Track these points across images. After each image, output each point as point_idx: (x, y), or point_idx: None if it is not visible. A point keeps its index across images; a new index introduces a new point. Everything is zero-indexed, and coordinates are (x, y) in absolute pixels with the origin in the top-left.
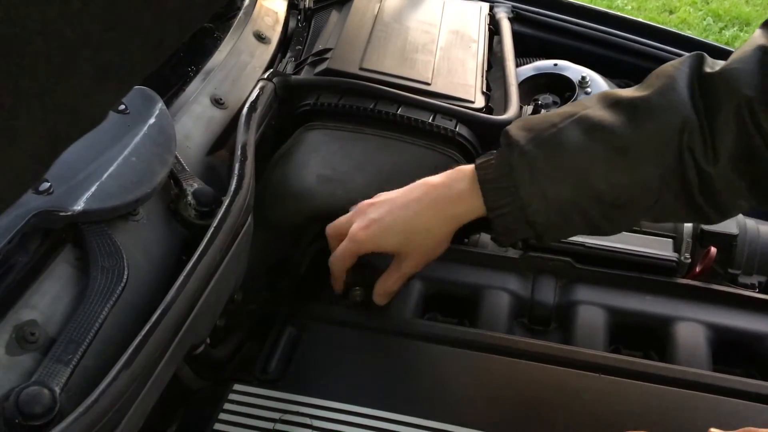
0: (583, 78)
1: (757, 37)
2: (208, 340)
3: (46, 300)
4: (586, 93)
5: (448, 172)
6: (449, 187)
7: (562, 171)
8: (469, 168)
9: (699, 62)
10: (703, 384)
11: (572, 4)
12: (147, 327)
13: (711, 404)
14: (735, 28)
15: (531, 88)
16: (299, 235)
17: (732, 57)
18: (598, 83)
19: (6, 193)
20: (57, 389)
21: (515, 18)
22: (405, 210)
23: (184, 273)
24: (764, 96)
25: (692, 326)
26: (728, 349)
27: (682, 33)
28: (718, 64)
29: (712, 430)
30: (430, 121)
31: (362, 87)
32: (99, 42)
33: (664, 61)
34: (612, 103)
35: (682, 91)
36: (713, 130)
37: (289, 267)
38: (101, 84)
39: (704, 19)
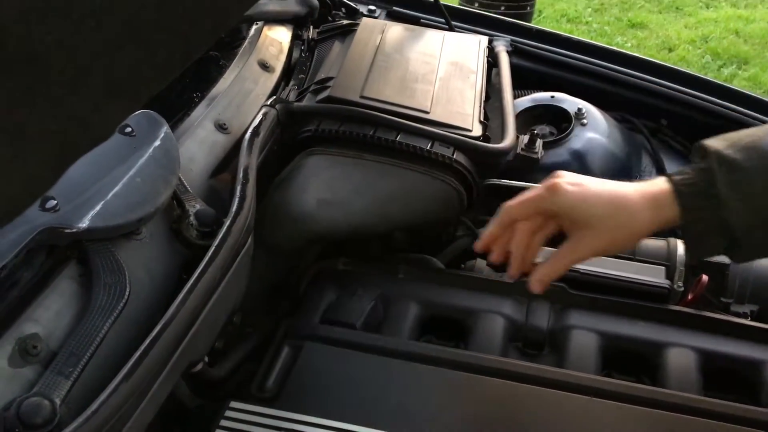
0: (579, 110)
1: None
2: (206, 359)
3: (49, 314)
4: (582, 124)
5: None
6: (646, 198)
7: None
8: (660, 179)
9: None
10: (693, 408)
11: (569, 39)
12: (147, 342)
13: (700, 427)
14: (733, 66)
15: (528, 118)
16: (299, 258)
17: None
18: (594, 115)
19: (18, 199)
20: (57, 401)
21: (514, 51)
22: (617, 186)
23: (185, 290)
24: None
25: (683, 352)
26: (720, 376)
27: (679, 68)
28: None
29: None
30: (428, 148)
31: (362, 114)
32: (111, 60)
33: (659, 94)
34: None
35: None
36: None
37: (288, 289)
38: (111, 99)
39: (703, 57)
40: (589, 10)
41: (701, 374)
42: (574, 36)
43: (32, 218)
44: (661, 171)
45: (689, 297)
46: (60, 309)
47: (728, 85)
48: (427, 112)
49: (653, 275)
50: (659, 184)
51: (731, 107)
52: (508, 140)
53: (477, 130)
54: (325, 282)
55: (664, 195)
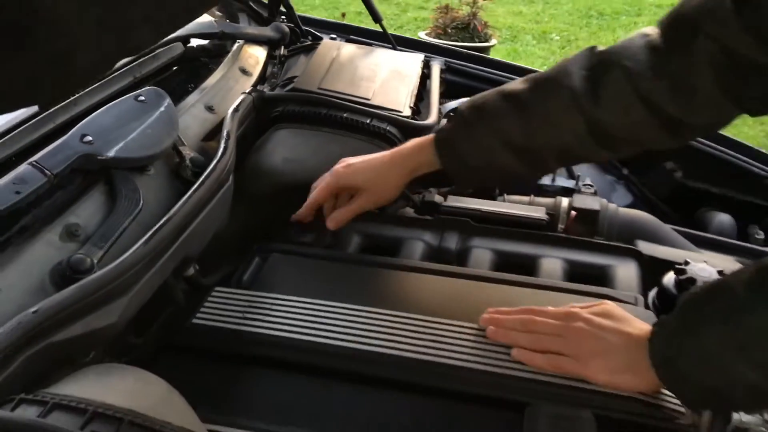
0: None
1: (645, 29)
2: (197, 267)
3: (86, 213)
4: None
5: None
6: (409, 147)
7: (481, 116)
8: (428, 137)
9: (593, 47)
10: (549, 286)
11: (491, 60)
12: (157, 226)
13: (551, 296)
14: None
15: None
16: (270, 205)
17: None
18: None
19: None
20: (95, 260)
21: (447, 69)
22: (375, 159)
23: (183, 199)
24: (639, 65)
25: (552, 260)
26: (577, 274)
27: None
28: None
29: (489, 310)
30: (368, 122)
31: (318, 99)
32: None
33: None
34: (525, 79)
35: (573, 66)
36: (598, 87)
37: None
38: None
39: None
40: (544, 66)
41: (564, 274)
42: (496, 58)
43: (75, 146)
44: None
45: (563, 229)
46: (93, 210)
47: None
48: (369, 99)
49: (536, 212)
50: (425, 139)
51: None
52: (431, 119)
53: (407, 112)
54: (288, 224)
55: (425, 148)
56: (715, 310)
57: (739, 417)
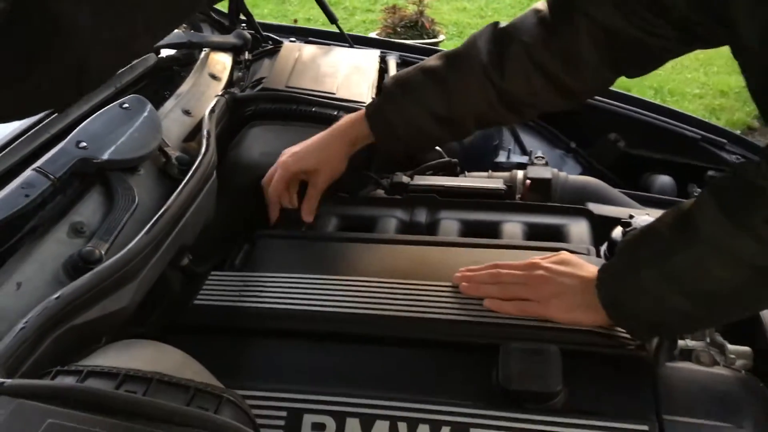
0: None
1: (537, 4)
2: (190, 257)
3: (88, 211)
4: None
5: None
6: (345, 121)
7: (406, 91)
8: (359, 111)
9: (496, 23)
10: (511, 246)
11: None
12: (155, 218)
13: (514, 254)
14: None
15: None
16: (250, 196)
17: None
18: None
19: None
20: (102, 252)
21: (402, 63)
22: (315, 141)
23: (175, 194)
24: (534, 38)
25: (513, 224)
26: (538, 235)
27: None
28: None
29: (461, 269)
30: (335, 114)
31: (288, 96)
32: None
33: None
34: (440, 55)
35: (481, 42)
36: (504, 61)
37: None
38: (144, 33)
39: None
40: None
41: (524, 235)
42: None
43: (72, 152)
44: (518, 140)
45: (520, 197)
46: (94, 209)
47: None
48: (334, 94)
49: (495, 183)
50: (358, 113)
51: None
52: None
53: (369, 102)
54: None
55: (359, 121)
56: (647, 252)
57: (685, 342)
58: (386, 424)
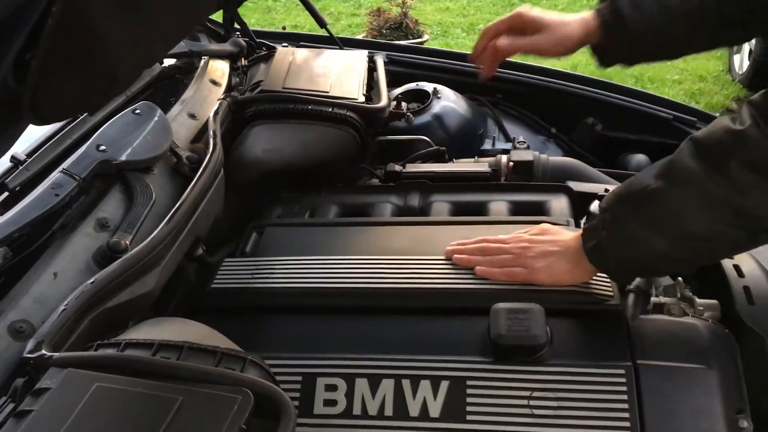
0: (435, 89)
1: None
2: (204, 248)
3: (110, 209)
4: (438, 98)
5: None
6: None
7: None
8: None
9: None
10: (497, 221)
11: (427, 49)
12: (173, 210)
13: (500, 228)
14: None
15: (402, 99)
16: (255, 191)
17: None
18: (447, 93)
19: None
20: (127, 243)
21: (390, 61)
22: (562, 14)
23: (189, 188)
24: None
25: (498, 203)
26: (521, 211)
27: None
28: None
29: (451, 243)
30: (330, 110)
31: (285, 96)
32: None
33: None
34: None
35: None
36: None
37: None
38: (161, 41)
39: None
40: None
41: (509, 210)
42: (431, 46)
43: (93, 155)
44: (501, 128)
45: (504, 179)
46: (116, 205)
47: (543, 66)
48: (327, 92)
49: (481, 167)
50: (590, 15)
51: (547, 80)
52: (382, 102)
53: (361, 99)
54: (275, 204)
55: (591, 19)
56: (631, 199)
57: (658, 298)
58: (391, 381)
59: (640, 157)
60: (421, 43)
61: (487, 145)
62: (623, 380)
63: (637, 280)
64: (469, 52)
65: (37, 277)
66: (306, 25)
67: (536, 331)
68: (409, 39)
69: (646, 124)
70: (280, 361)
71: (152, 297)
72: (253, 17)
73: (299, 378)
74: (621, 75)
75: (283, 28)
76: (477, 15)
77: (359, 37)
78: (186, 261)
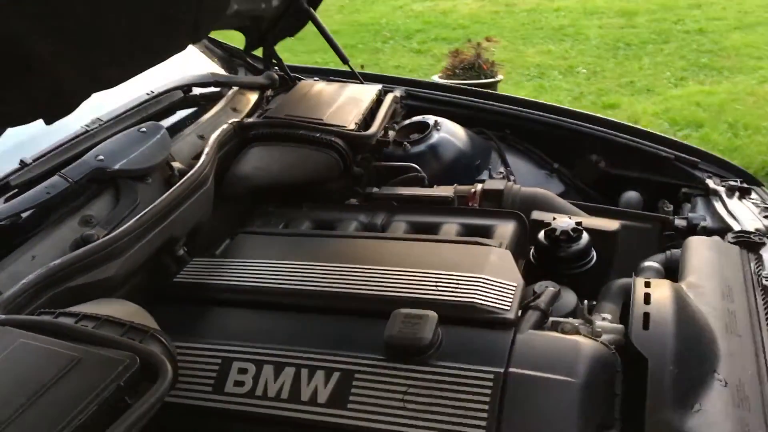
0: (436, 122)
1: None
2: (185, 249)
3: (98, 208)
4: (437, 130)
5: None
6: None
7: None
8: None
9: None
10: (438, 240)
11: (445, 86)
12: (148, 208)
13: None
14: (689, 130)
15: (408, 131)
16: (243, 202)
17: None
18: (448, 125)
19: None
20: (100, 236)
21: (409, 96)
22: None
23: (167, 193)
24: None
25: (450, 225)
26: (470, 233)
27: (515, 96)
28: None
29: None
30: (317, 135)
31: (281, 121)
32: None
33: (503, 113)
34: None
35: None
36: None
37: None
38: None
39: (662, 125)
40: (569, 98)
41: (458, 232)
42: (448, 83)
43: (90, 163)
44: (504, 161)
45: (473, 204)
46: (104, 207)
47: (552, 104)
48: (322, 119)
49: (444, 192)
50: None
51: (554, 118)
52: (370, 131)
53: (351, 127)
54: (258, 215)
55: None
56: None
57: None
58: (293, 369)
59: (630, 194)
60: (495, 83)
61: (484, 176)
62: (490, 384)
63: (539, 299)
64: (563, 97)
65: (16, 258)
66: (408, 65)
67: (424, 334)
68: (482, 79)
69: (649, 162)
70: (207, 345)
71: (113, 282)
72: (361, 57)
73: (219, 361)
74: (714, 121)
75: (362, 66)
76: (578, 58)
77: (436, 77)
78: (168, 259)
